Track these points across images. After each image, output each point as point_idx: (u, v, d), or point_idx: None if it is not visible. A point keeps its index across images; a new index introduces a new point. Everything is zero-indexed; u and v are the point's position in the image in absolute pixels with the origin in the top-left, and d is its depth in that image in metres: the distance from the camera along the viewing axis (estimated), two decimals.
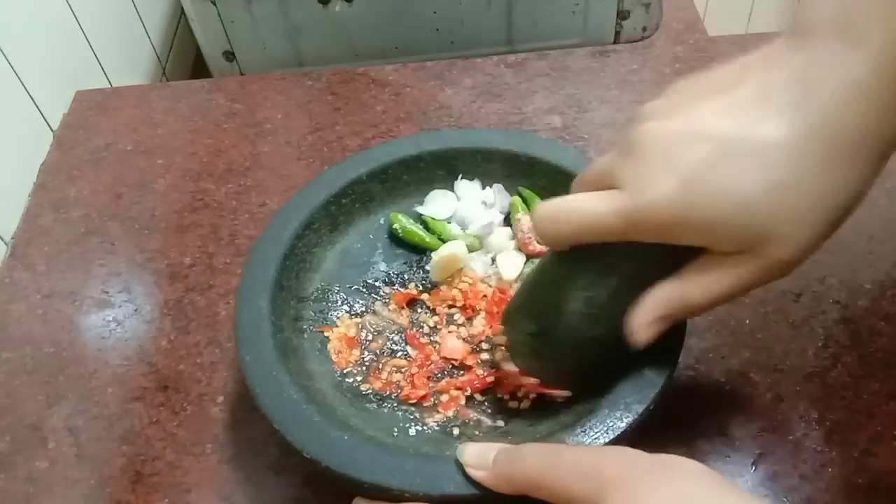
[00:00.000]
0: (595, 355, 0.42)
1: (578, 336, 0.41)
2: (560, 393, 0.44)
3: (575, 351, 0.42)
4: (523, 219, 0.53)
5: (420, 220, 0.55)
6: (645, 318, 0.38)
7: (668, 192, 0.34)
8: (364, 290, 0.52)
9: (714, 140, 0.34)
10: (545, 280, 0.43)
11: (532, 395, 0.46)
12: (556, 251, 0.41)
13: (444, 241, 0.53)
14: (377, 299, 0.52)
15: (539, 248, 0.52)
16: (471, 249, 0.53)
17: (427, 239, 0.53)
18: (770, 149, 0.33)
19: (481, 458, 0.38)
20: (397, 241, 0.54)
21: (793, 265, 0.36)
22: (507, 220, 0.55)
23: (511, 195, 0.55)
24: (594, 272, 0.40)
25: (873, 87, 0.32)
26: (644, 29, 0.87)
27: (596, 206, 0.36)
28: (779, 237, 0.34)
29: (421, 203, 0.55)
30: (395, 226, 0.53)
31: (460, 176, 0.55)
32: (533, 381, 0.45)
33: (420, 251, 0.54)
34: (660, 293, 0.38)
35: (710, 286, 0.37)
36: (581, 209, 0.37)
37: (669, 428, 0.48)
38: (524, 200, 0.55)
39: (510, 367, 0.45)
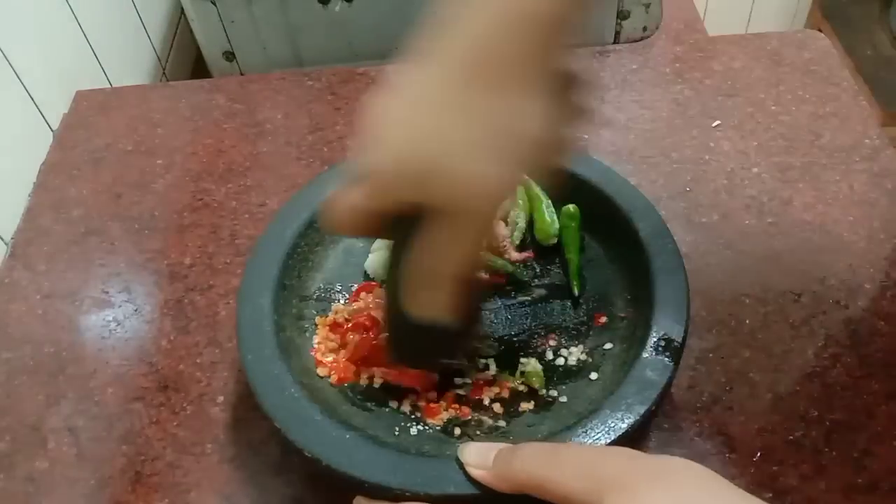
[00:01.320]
0: (425, 334, 0.42)
1: (402, 313, 0.41)
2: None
3: (408, 330, 0.42)
4: (498, 226, 0.53)
5: None
6: (412, 294, 0.39)
7: (374, 162, 0.37)
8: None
9: (403, 107, 0.36)
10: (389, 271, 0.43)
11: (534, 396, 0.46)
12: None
13: None
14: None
15: (516, 255, 0.53)
16: None
17: None
18: (431, 95, 0.35)
19: (482, 457, 0.38)
20: None
21: (490, 205, 0.36)
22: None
23: None
24: (394, 250, 0.41)
25: (514, 16, 0.33)
26: (644, 29, 0.87)
27: (350, 190, 0.39)
28: (456, 174, 0.35)
29: None
30: None
31: None
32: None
33: None
34: (417, 271, 0.39)
35: (453, 253, 0.37)
36: (344, 196, 0.39)
37: (669, 428, 0.48)
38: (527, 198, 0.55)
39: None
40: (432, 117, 0.35)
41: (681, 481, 0.32)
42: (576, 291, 0.51)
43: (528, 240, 0.54)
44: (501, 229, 0.53)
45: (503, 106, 0.34)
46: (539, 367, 0.47)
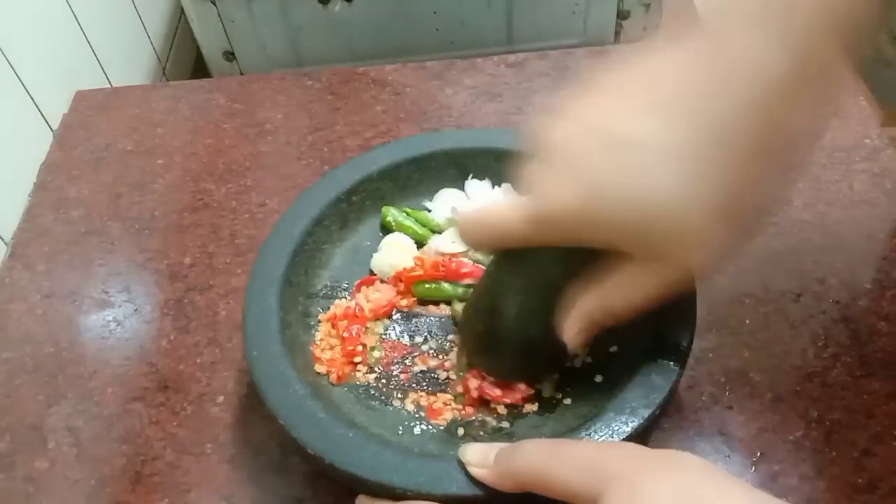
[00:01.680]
0: (538, 353, 0.44)
1: (517, 336, 0.43)
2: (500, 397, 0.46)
3: (518, 349, 0.44)
4: None
5: (410, 214, 0.55)
6: (574, 328, 0.40)
7: (570, 197, 0.35)
8: None
9: (618, 145, 0.34)
10: (487, 285, 0.45)
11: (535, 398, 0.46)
12: (496, 258, 0.43)
13: (433, 232, 0.53)
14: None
15: None
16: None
17: (420, 231, 0.53)
18: (672, 154, 0.33)
19: (482, 456, 0.38)
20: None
21: (705, 271, 0.36)
22: None
23: None
24: (524, 278, 0.42)
25: (784, 81, 0.33)
26: (644, 29, 0.87)
27: (510, 214, 0.38)
28: (684, 242, 0.34)
29: (430, 202, 0.55)
30: (389, 219, 0.53)
31: (471, 175, 0.55)
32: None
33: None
34: (585, 304, 0.39)
35: (628, 295, 0.38)
36: (497, 217, 0.39)
37: (669, 428, 0.48)
38: None
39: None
40: (670, 170, 0.33)
41: (683, 473, 0.32)
42: None
43: None
44: None
45: (759, 183, 0.34)
46: (567, 401, 0.46)
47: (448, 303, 0.51)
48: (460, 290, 0.50)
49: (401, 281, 0.51)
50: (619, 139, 0.34)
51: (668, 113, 0.34)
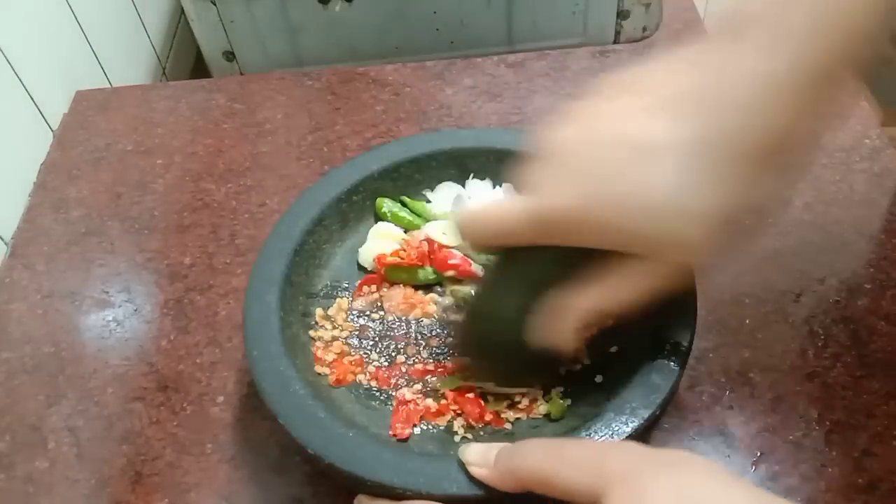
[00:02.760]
0: (537, 357, 0.43)
1: (516, 340, 0.42)
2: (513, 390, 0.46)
3: (519, 354, 0.43)
4: None
5: (405, 205, 0.55)
6: (567, 330, 0.40)
7: (569, 197, 0.35)
8: None
9: (618, 145, 0.34)
10: (488, 285, 0.45)
11: (535, 399, 0.46)
12: (495, 261, 0.43)
13: (427, 221, 0.53)
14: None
15: None
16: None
17: (413, 221, 0.53)
18: (671, 154, 0.33)
19: (483, 456, 0.38)
20: None
21: (704, 271, 0.37)
22: None
23: None
24: (523, 280, 0.41)
25: (786, 86, 0.33)
26: (644, 29, 0.87)
27: (510, 213, 0.38)
28: (681, 242, 0.35)
29: (431, 192, 0.55)
30: (384, 209, 0.53)
31: (472, 175, 0.55)
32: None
33: None
34: (578, 305, 0.39)
35: (623, 294, 0.38)
36: (497, 215, 0.39)
37: (669, 428, 0.48)
38: None
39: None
40: (668, 170, 0.33)
41: (685, 472, 0.31)
42: None
43: None
44: None
45: (746, 177, 0.34)
46: (566, 401, 0.46)
47: (440, 285, 0.51)
48: (432, 277, 0.51)
49: (380, 265, 0.51)
50: (621, 140, 0.34)
51: (670, 114, 0.34)
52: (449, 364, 0.48)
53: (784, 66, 0.32)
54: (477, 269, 0.50)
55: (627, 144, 0.34)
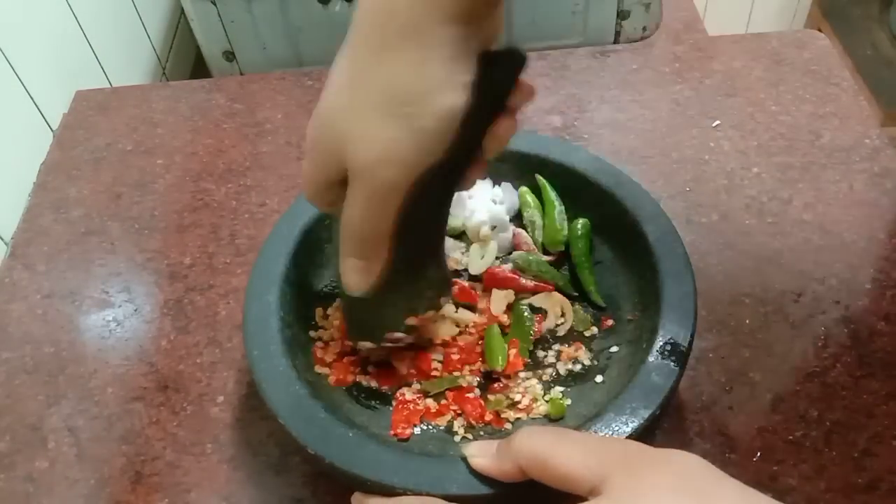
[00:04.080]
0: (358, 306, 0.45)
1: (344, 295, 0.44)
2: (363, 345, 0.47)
3: (345, 303, 0.47)
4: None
5: None
6: (341, 260, 0.41)
7: (309, 139, 0.39)
8: None
9: (321, 104, 0.38)
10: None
11: (536, 399, 0.46)
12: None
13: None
14: None
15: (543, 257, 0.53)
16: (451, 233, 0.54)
17: None
18: (339, 59, 0.37)
19: (485, 447, 0.38)
20: None
21: (389, 167, 0.36)
22: (520, 217, 0.56)
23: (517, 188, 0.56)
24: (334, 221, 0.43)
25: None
26: (644, 29, 0.87)
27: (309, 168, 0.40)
28: (356, 139, 0.36)
29: None
30: None
31: None
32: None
33: None
34: (336, 241, 0.41)
35: (354, 216, 0.38)
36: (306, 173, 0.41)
37: (669, 428, 0.48)
38: (533, 190, 0.55)
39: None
40: (344, 87, 0.36)
41: (685, 468, 0.32)
42: (602, 303, 0.51)
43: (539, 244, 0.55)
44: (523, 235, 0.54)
45: (412, 72, 0.34)
46: (566, 401, 0.46)
47: None
48: None
49: None
50: (333, 74, 0.37)
51: (342, 70, 0.37)
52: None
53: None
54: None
55: (323, 101, 0.38)
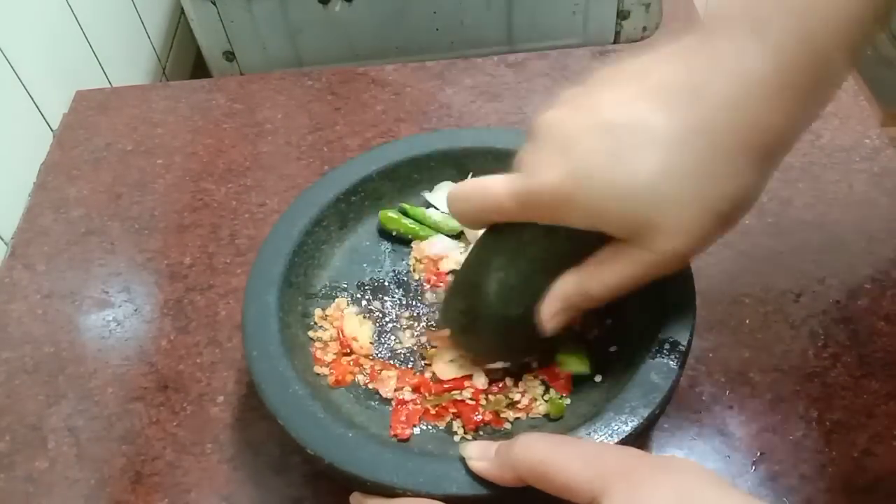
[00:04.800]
0: (517, 333, 0.44)
1: (497, 314, 0.43)
2: (492, 365, 0.46)
3: (497, 328, 0.44)
4: None
5: (406, 213, 0.55)
6: (551, 309, 0.41)
7: (555, 176, 0.36)
8: (371, 288, 0.52)
9: (606, 129, 0.35)
10: (471, 262, 0.45)
11: (535, 399, 0.46)
12: (483, 235, 0.44)
13: (427, 227, 0.53)
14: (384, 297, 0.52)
15: None
16: (447, 231, 0.54)
17: (421, 232, 0.53)
18: (657, 141, 0.34)
19: (484, 450, 0.38)
20: (404, 239, 0.54)
21: (682, 258, 0.37)
22: None
23: None
24: (506, 255, 0.42)
25: (768, 82, 0.33)
26: (644, 29, 0.87)
27: (496, 187, 0.39)
28: (664, 228, 0.35)
29: (430, 193, 0.55)
30: (391, 226, 0.53)
31: (470, 175, 0.55)
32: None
33: None
34: (562, 286, 0.40)
35: (606, 278, 0.39)
36: (484, 189, 0.39)
37: (669, 428, 0.48)
38: None
39: (440, 366, 0.47)
40: (653, 157, 0.34)
41: (685, 477, 0.32)
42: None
43: None
44: None
45: (726, 167, 0.35)
46: (566, 401, 0.46)
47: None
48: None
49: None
50: (608, 123, 0.35)
51: (658, 104, 0.35)
52: (434, 333, 0.48)
53: (762, 63, 0.33)
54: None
55: (613, 127, 0.35)
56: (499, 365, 0.46)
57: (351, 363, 0.48)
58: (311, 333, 0.49)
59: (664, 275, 0.38)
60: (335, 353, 0.48)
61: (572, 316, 0.41)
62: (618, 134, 0.35)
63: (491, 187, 0.39)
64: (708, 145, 0.34)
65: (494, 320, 0.44)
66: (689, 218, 0.35)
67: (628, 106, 0.35)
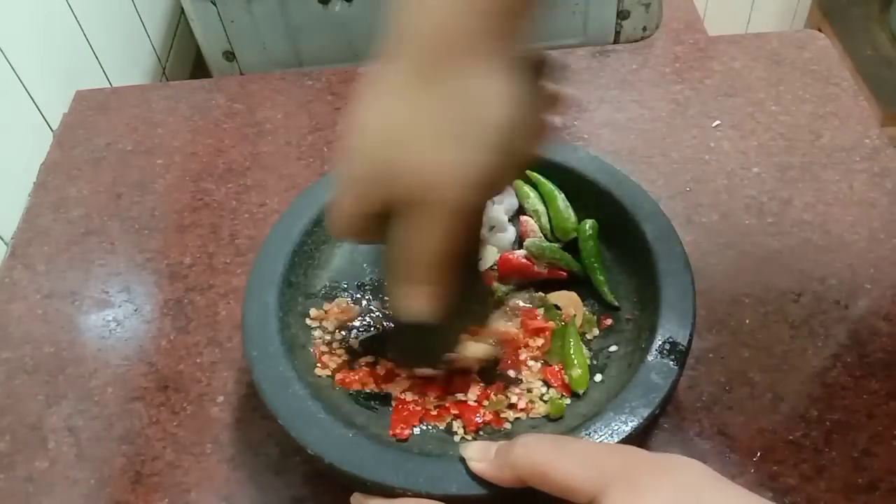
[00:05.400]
0: (424, 336, 0.44)
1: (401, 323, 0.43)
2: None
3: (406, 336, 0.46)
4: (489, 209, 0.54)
5: None
6: (403, 288, 0.40)
7: (371, 164, 0.37)
8: (371, 288, 0.52)
9: (399, 140, 0.36)
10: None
11: (535, 399, 0.46)
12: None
13: None
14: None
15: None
16: None
17: None
18: (374, 83, 0.36)
19: (484, 451, 0.38)
20: None
21: (460, 189, 0.36)
22: (521, 212, 0.56)
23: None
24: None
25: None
26: (644, 29, 0.87)
27: (347, 182, 0.39)
28: (418, 167, 0.36)
29: None
30: None
31: None
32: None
33: None
34: (390, 267, 0.39)
35: (423, 245, 0.38)
36: (342, 197, 0.39)
37: (669, 428, 0.48)
38: (533, 186, 0.55)
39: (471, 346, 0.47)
40: (397, 111, 0.36)
41: (685, 476, 0.32)
42: (615, 302, 0.50)
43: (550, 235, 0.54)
44: (499, 213, 0.54)
45: (463, 91, 0.35)
46: (566, 401, 0.46)
47: None
48: None
49: None
50: (376, 99, 0.37)
51: (395, 61, 0.36)
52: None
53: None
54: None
55: (405, 138, 0.36)
56: (428, 371, 0.47)
57: (357, 366, 0.48)
58: (310, 334, 0.49)
59: (464, 215, 0.37)
60: (334, 354, 0.48)
61: (422, 292, 0.40)
62: (376, 105, 0.37)
63: (339, 199, 0.39)
64: (431, 68, 0.35)
65: (396, 321, 0.43)
66: (438, 147, 0.35)
67: (380, 80, 0.37)
